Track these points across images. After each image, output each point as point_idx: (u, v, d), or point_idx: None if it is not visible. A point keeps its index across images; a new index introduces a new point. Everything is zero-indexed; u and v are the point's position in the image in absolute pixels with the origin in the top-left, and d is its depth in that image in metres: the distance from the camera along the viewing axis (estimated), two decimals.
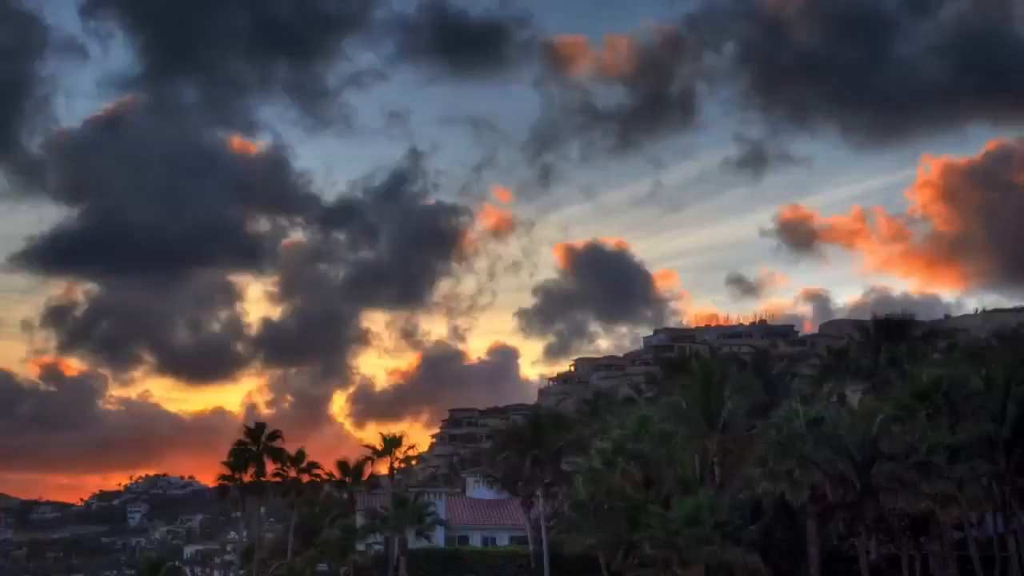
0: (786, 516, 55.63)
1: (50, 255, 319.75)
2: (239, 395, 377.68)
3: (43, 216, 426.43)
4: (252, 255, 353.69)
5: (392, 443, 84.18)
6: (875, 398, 62.84)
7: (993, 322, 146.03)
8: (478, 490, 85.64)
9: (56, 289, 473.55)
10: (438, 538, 76.31)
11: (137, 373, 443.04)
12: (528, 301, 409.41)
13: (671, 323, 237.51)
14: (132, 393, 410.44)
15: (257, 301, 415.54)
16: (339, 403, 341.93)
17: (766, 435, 54.37)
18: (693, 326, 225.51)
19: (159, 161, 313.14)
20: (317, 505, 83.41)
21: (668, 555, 51.00)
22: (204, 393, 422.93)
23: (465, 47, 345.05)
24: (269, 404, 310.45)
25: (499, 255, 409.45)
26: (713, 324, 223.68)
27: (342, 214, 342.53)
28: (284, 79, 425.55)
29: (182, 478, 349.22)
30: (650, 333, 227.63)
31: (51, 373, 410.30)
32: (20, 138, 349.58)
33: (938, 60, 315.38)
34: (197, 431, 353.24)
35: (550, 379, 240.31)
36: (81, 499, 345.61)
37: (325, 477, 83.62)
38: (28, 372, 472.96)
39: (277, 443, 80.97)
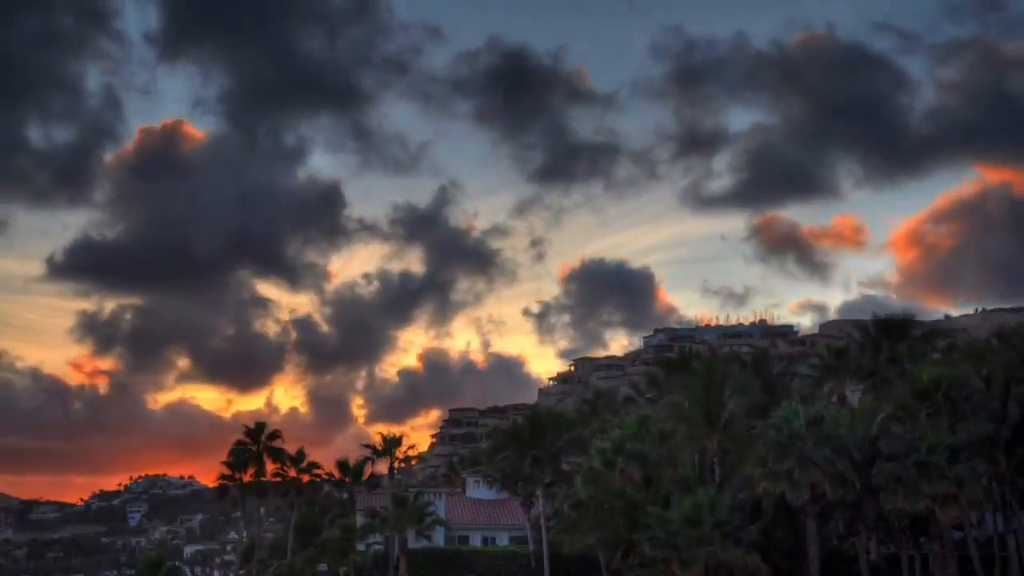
0: (786, 516, 55.58)
1: (104, 267, 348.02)
2: (280, 401, 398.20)
3: (106, 234, 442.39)
4: (298, 274, 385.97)
5: (392, 443, 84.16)
6: (875, 398, 62.76)
7: (993, 322, 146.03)
8: (478, 490, 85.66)
9: (109, 301, 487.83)
10: (438, 538, 76.32)
11: (176, 379, 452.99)
12: (545, 314, 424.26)
13: (671, 323, 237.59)
14: (172, 397, 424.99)
15: (300, 316, 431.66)
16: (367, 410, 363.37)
17: (766, 435, 54.31)
18: (693, 326, 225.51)
19: (222, 188, 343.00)
20: (317, 505, 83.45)
21: (668, 555, 50.94)
22: (243, 399, 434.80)
23: (511, 87, 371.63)
24: (302, 407, 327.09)
25: (524, 276, 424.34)
26: (713, 324, 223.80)
27: (382, 238, 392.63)
28: (336, 112, 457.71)
29: (182, 478, 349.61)
30: (650, 333, 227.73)
31: (94, 378, 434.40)
32: (95, 171, 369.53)
33: (950, 104, 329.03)
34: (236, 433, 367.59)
35: (550, 379, 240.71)
36: (81, 499, 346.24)
37: (325, 477, 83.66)
38: (71, 378, 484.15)
39: (277, 443, 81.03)
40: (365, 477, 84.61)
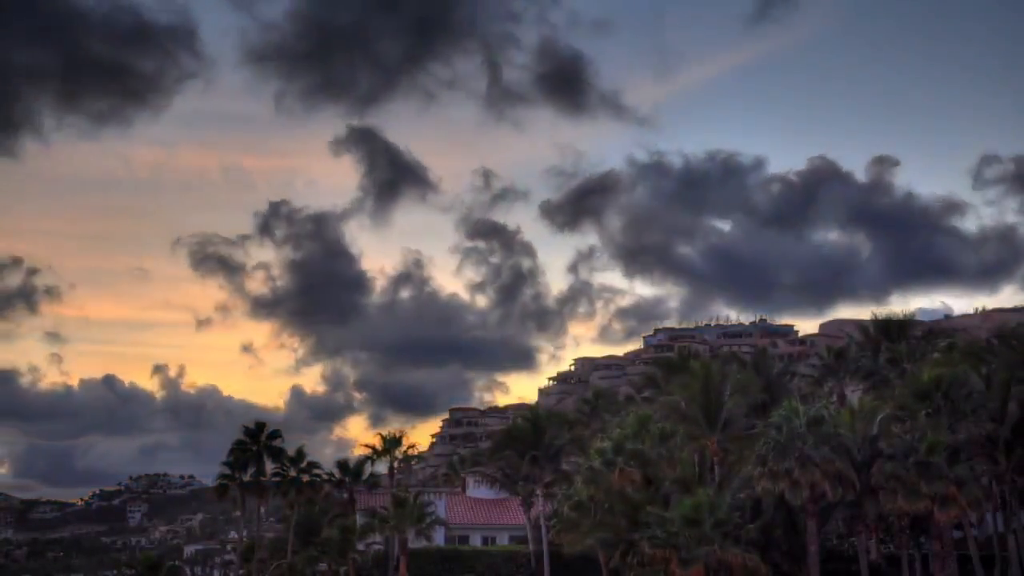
0: (786, 515, 55.52)
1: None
2: None
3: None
4: None
5: (392, 443, 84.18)
6: (875, 398, 62.81)
7: (993, 322, 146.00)
8: (478, 489, 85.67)
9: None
10: (438, 538, 76.30)
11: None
12: None
13: (671, 323, 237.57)
14: None
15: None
16: None
17: (766, 435, 54.30)
18: (693, 326, 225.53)
19: None
20: (317, 505, 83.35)
21: (667, 554, 50.94)
22: None
23: None
24: None
25: None
26: (713, 324, 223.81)
27: None
28: None
29: (182, 477, 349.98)
30: (650, 333, 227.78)
31: None
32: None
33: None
34: None
35: (550, 379, 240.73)
36: (81, 498, 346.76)
37: (325, 477, 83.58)
38: None
39: (277, 443, 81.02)
40: (365, 477, 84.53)
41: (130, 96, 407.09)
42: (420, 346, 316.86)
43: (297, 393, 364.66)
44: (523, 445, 73.04)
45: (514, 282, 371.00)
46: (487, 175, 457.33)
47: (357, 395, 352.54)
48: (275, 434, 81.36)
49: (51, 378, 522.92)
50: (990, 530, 65.11)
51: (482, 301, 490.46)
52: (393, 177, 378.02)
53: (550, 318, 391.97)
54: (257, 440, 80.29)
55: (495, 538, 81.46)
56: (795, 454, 52.04)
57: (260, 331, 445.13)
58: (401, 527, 69.26)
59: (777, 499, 53.72)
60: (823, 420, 53.93)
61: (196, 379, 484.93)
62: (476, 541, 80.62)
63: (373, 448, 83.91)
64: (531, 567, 73.10)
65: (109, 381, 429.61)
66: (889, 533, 62.44)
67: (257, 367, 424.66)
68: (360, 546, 74.28)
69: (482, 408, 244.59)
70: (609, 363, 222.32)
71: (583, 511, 58.93)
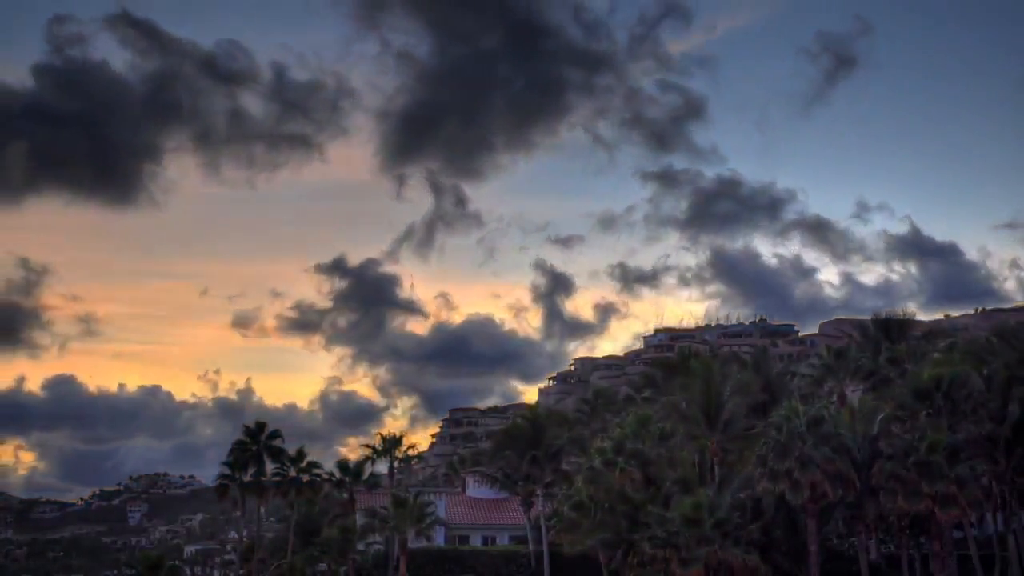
0: (786, 515, 55.58)
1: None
2: None
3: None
4: None
5: (392, 443, 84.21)
6: (875, 398, 62.78)
7: (993, 322, 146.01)
8: (478, 489, 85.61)
9: None
10: (438, 538, 76.25)
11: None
12: None
13: (671, 323, 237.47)
14: None
15: None
16: None
17: (766, 435, 54.32)
18: (693, 326, 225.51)
19: None
20: (317, 505, 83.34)
21: (668, 554, 51.00)
22: None
23: None
24: None
25: None
26: (713, 324, 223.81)
27: None
28: None
29: (182, 477, 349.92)
30: (650, 333, 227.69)
31: None
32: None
33: None
34: None
35: (550, 378, 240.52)
36: (81, 498, 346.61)
37: (325, 477, 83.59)
38: None
39: (277, 443, 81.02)
40: (365, 477, 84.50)
41: (272, 165, 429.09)
42: (459, 355, 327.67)
43: (338, 398, 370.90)
44: (523, 445, 73.00)
45: (550, 298, 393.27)
46: (527, 201, 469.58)
47: (398, 400, 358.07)
48: (275, 434, 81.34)
49: (99, 382, 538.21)
50: (990, 530, 65.09)
51: (520, 316, 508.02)
52: (443, 207, 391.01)
53: (584, 331, 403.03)
54: (257, 440, 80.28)
55: (495, 538, 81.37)
56: (795, 454, 52.08)
57: (308, 341, 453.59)
58: (401, 527, 69.21)
59: (777, 499, 53.77)
60: (823, 420, 53.94)
61: (238, 383, 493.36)
62: (476, 541, 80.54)
63: (373, 448, 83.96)
64: (531, 567, 73.07)
65: (156, 387, 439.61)
66: (889, 533, 62.43)
67: (302, 372, 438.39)
68: (360, 546, 74.23)
69: (482, 408, 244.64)
70: (609, 363, 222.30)
71: (583, 511, 58.95)
